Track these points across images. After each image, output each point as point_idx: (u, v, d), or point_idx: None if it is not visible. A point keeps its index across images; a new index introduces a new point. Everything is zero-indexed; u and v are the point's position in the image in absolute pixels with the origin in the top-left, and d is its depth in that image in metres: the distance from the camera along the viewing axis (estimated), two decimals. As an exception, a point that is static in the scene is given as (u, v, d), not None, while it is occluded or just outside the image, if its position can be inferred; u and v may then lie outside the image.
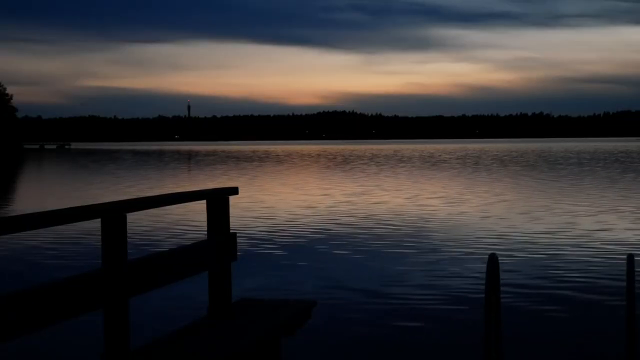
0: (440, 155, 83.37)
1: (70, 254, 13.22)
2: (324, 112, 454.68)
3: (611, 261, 11.94)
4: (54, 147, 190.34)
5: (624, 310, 7.52)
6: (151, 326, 7.76)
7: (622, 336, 6.70)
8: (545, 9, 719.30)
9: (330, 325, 8.14)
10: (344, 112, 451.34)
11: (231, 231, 5.96)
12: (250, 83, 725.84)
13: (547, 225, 16.67)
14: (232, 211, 6.93)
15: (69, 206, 4.49)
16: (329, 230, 16.40)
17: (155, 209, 5.67)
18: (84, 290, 4.18)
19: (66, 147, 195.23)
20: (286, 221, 18.12)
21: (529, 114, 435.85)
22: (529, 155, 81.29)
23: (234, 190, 6.05)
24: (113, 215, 4.49)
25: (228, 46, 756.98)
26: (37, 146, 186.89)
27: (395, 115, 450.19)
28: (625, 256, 6.06)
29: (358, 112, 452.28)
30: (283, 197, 25.96)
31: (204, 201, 5.83)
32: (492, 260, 4.90)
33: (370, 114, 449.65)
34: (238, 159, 76.93)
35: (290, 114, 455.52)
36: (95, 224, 5.20)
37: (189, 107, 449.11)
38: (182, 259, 5.26)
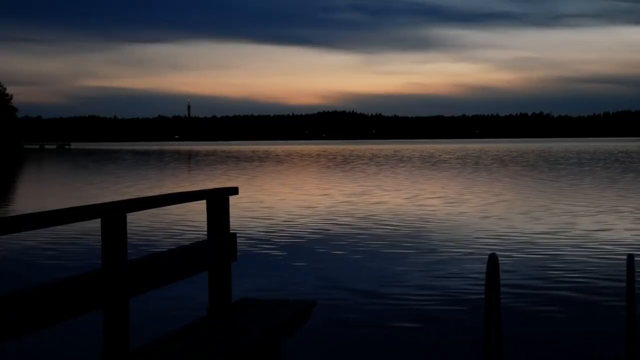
0: (440, 155, 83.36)
1: (70, 254, 13.22)
2: (324, 112, 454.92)
3: (611, 261, 11.94)
4: (54, 147, 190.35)
5: (623, 311, 7.52)
6: (151, 326, 7.76)
7: (622, 336, 6.71)
8: (545, 9, 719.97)
9: (330, 326, 8.14)
10: (344, 112, 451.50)
11: (231, 231, 5.96)
12: (250, 83, 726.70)
13: (547, 226, 16.67)
14: (232, 211, 6.93)
15: (69, 206, 4.49)
16: (329, 230, 16.40)
17: (155, 209, 5.67)
18: (84, 290, 4.18)
19: (66, 147, 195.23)
20: (286, 221, 18.12)
21: (529, 114, 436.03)
22: (529, 155, 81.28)
23: (234, 190, 6.05)
24: (113, 215, 4.49)
25: (228, 46, 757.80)
26: (37, 146, 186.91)
27: (395, 115, 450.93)
28: (625, 256, 6.06)
29: (358, 112, 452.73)
30: (283, 197, 25.96)
31: (204, 201, 5.83)
32: (492, 260, 4.90)
33: (370, 114, 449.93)
34: (238, 159, 76.92)
35: (290, 114, 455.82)
36: (95, 224, 5.20)
37: (189, 107, 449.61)
38: (182, 259, 5.26)
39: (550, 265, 11.69)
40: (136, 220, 15.86)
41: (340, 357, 7.19)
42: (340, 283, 10.46)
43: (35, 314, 3.83)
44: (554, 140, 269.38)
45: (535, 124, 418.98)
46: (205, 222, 5.85)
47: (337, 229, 16.51)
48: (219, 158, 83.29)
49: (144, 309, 8.25)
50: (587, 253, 12.79)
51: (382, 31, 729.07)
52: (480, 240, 14.59)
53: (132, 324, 4.69)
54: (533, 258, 12.35)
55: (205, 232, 5.86)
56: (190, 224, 17.40)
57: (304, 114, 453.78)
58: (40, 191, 32.60)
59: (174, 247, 6.55)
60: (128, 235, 4.61)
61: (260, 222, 17.83)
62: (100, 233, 4.48)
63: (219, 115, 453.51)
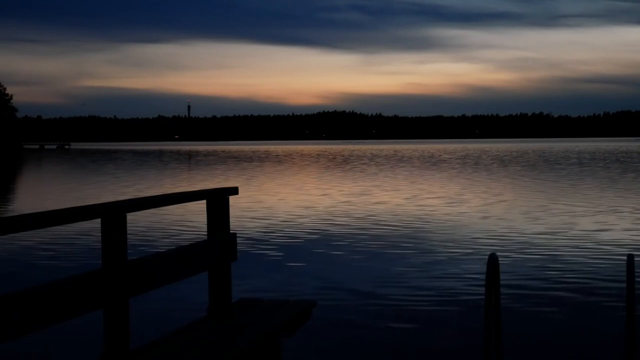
0: (440, 155, 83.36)
1: (69, 254, 13.22)
2: (324, 112, 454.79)
3: (611, 262, 11.93)
4: (54, 147, 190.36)
5: (623, 311, 7.52)
6: (151, 326, 7.77)
7: (621, 336, 6.71)
8: (545, 9, 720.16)
9: (330, 326, 8.15)
10: (344, 112, 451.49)
11: (231, 231, 5.96)
12: (250, 83, 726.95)
13: (547, 226, 16.67)
14: (232, 211, 6.93)
15: (68, 206, 4.49)
16: (329, 230, 16.40)
17: (155, 209, 5.67)
18: (84, 290, 4.18)
19: (66, 147, 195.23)
20: (286, 221, 18.11)
21: (529, 114, 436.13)
22: (529, 155, 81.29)
23: (234, 190, 6.04)
24: (113, 215, 4.49)
25: (228, 46, 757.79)
26: (37, 146, 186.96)
27: (395, 115, 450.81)
28: (625, 257, 6.06)
29: (358, 112, 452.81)
30: (283, 197, 25.96)
31: (204, 201, 5.83)
32: (492, 259, 4.90)
33: (370, 114, 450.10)
34: (238, 159, 76.92)
35: (290, 114, 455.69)
36: (95, 224, 5.20)
37: (189, 107, 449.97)
38: (182, 259, 5.25)
39: (550, 265, 11.68)
40: (136, 220, 15.86)
41: (340, 357, 7.19)
42: (340, 283, 10.46)
43: (35, 314, 3.83)
44: (554, 140, 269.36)
45: (535, 124, 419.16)
46: (205, 222, 5.85)
47: (337, 229, 16.51)
48: (219, 158, 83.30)
49: (144, 309, 8.26)
50: (587, 253, 12.79)
51: (382, 31, 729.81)
52: (480, 240, 14.59)
53: (132, 324, 4.69)
54: (533, 258, 12.34)
55: (205, 232, 5.86)
56: (190, 224, 17.41)
57: (304, 114, 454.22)
58: (40, 191, 32.59)
59: (173, 247, 6.55)
60: (128, 235, 4.61)
61: (260, 222, 17.83)
62: (100, 233, 4.48)
63: (219, 115, 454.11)
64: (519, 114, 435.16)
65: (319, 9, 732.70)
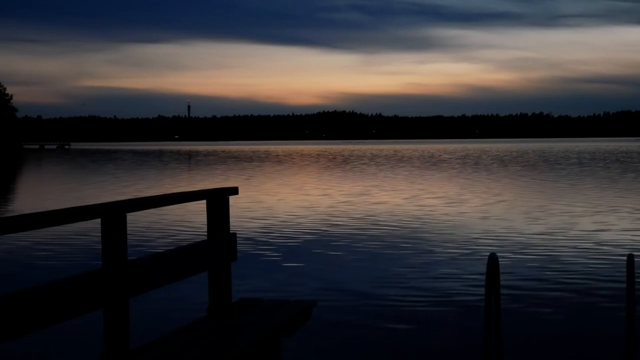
0: (440, 155, 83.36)
1: (69, 254, 13.22)
2: (324, 112, 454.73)
3: (611, 262, 11.93)
4: (54, 147, 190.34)
5: (623, 311, 7.52)
6: (151, 326, 7.77)
7: (621, 337, 6.71)
8: (545, 9, 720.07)
9: (330, 326, 8.15)
10: (344, 112, 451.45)
11: (231, 231, 5.96)
12: (250, 83, 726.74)
13: (547, 226, 16.67)
14: (232, 211, 6.93)
15: (68, 206, 4.49)
16: (329, 230, 16.40)
17: (155, 209, 5.67)
18: (84, 290, 4.18)
19: (66, 147, 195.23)
20: (286, 221, 18.11)
21: (529, 114, 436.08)
22: (529, 155, 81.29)
23: (234, 190, 6.04)
24: (113, 215, 4.49)
25: (228, 46, 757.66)
26: (37, 146, 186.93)
27: (395, 115, 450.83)
28: (624, 257, 6.06)
29: (358, 112, 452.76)
30: (283, 197, 25.96)
31: (204, 201, 5.83)
32: (492, 259, 4.90)
33: (370, 114, 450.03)
34: (238, 159, 76.92)
35: (290, 114, 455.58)
36: (95, 224, 5.20)
37: (189, 107, 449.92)
38: (182, 259, 5.25)
39: (550, 265, 11.68)
40: (136, 220, 15.86)
41: (340, 357, 7.19)
42: (340, 283, 10.46)
43: (35, 314, 3.83)
44: (554, 140, 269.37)
45: (535, 124, 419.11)
46: (205, 222, 5.85)
47: (337, 229, 16.51)
48: (218, 158, 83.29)
49: (144, 309, 8.26)
50: (586, 253, 12.79)
51: (382, 31, 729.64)
52: (480, 240, 14.59)
53: (132, 324, 4.69)
54: (533, 258, 12.34)
55: (205, 232, 5.86)
56: (190, 224, 17.41)
57: (304, 114, 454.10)
58: (40, 191, 32.59)
59: (173, 247, 6.55)
60: (128, 235, 4.61)
61: (260, 222, 17.83)
62: (100, 233, 4.48)
63: (219, 115, 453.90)
64: (519, 114, 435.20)
65: (319, 9, 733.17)
